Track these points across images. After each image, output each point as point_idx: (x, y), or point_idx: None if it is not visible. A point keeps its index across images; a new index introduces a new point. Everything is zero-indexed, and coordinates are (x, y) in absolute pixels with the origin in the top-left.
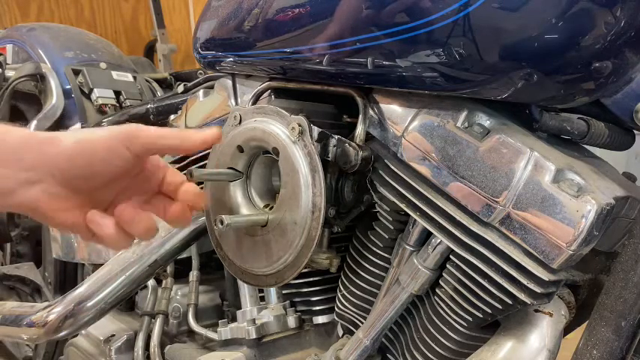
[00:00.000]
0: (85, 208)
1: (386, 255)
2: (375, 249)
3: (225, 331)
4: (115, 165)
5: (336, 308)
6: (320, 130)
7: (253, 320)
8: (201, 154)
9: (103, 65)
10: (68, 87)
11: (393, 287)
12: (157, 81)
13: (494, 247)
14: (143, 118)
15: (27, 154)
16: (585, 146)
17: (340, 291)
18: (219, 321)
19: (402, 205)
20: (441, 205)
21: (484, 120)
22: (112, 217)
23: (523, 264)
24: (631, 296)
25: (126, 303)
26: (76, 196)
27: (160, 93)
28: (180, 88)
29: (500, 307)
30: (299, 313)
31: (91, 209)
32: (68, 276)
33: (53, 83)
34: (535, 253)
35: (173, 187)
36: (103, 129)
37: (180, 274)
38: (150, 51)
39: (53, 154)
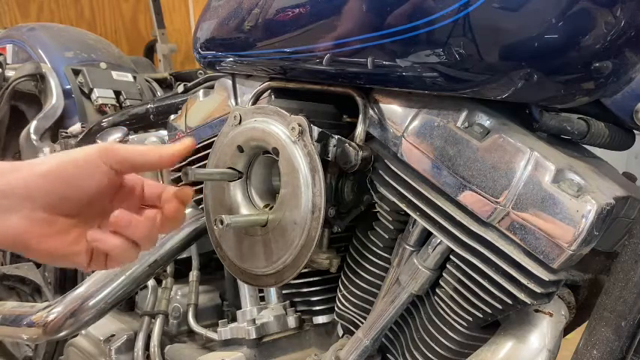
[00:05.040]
0: (72, 233)
1: (386, 255)
2: (375, 249)
3: (225, 331)
4: (94, 179)
5: (336, 308)
6: (320, 130)
7: (253, 320)
8: (201, 155)
9: (103, 65)
10: (68, 87)
11: (393, 287)
12: (157, 81)
13: (495, 247)
14: (143, 118)
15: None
16: (585, 146)
17: (340, 291)
18: (219, 321)
19: (402, 205)
20: (441, 205)
21: (484, 120)
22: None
23: (523, 264)
24: (631, 296)
25: (126, 303)
26: (60, 219)
27: (159, 93)
28: (180, 88)
29: (500, 307)
30: (299, 313)
31: (77, 233)
32: (68, 276)
33: (53, 83)
34: (535, 253)
35: (155, 197)
36: (76, 149)
37: (181, 274)
38: (150, 51)
39: (27, 177)
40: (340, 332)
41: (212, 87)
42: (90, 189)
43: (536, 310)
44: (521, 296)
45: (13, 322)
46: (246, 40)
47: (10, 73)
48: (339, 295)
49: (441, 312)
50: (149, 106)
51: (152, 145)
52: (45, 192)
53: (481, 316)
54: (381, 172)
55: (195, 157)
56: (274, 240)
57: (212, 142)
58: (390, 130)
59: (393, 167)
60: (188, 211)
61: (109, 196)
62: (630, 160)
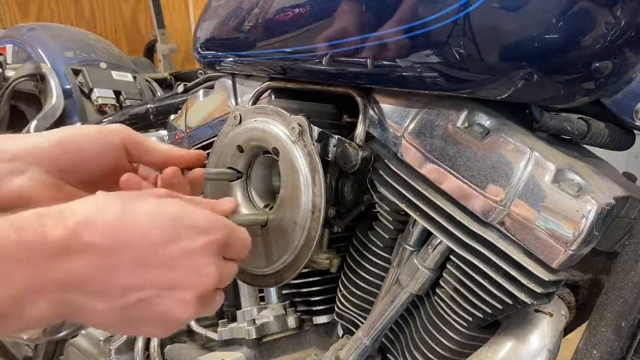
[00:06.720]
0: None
1: (386, 255)
2: (375, 249)
3: (225, 331)
4: (105, 151)
5: (336, 308)
6: (320, 130)
7: (253, 320)
8: None
9: (103, 65)
10: (68, 87)
11: (393, 287)
12: (157, 81)
13: (495, 247)
14: (143, 118)
15: (8, 145)
16: (585, 146)
17: (340, 291)
18: (219, 321)
19: (402, 205)
20: (441, 205)
21: (484, 120)
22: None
23: (523, 264)
24: (631, 296)
25: None
26: (68, 187)
27: (159, 93)
28: (180, 88)
29: (500, 307)
30: (299, 313)
31: None
32: None
33: (53, 83)
34: (535, 253)
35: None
36: (90, 125)
37: None
38: (150, 51)
39: (38, 142)
40: (340, 332)
41: (212, 87)
42: (100, 161)
43: (536, 310)
44: (522, 296)
45: None
46: (246, 40)
47: (10, 73)
48: (339, 295)
49: (441, 312)
50: (149, 106)
51: (164, 145)
52: (54, 157)
53: (481, 316)
54: (381, 172)
55: None
56: (274, 240)
57: (212, 142)
58: (390, 130)
59: (393, 167)
60: None
61: (118, 175)
62: (630, 160)
